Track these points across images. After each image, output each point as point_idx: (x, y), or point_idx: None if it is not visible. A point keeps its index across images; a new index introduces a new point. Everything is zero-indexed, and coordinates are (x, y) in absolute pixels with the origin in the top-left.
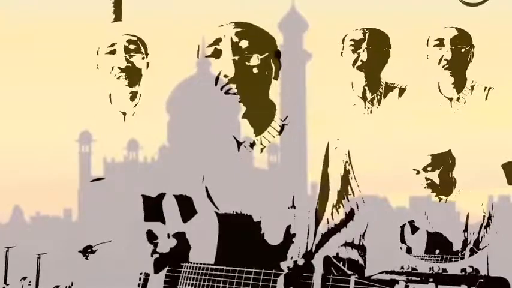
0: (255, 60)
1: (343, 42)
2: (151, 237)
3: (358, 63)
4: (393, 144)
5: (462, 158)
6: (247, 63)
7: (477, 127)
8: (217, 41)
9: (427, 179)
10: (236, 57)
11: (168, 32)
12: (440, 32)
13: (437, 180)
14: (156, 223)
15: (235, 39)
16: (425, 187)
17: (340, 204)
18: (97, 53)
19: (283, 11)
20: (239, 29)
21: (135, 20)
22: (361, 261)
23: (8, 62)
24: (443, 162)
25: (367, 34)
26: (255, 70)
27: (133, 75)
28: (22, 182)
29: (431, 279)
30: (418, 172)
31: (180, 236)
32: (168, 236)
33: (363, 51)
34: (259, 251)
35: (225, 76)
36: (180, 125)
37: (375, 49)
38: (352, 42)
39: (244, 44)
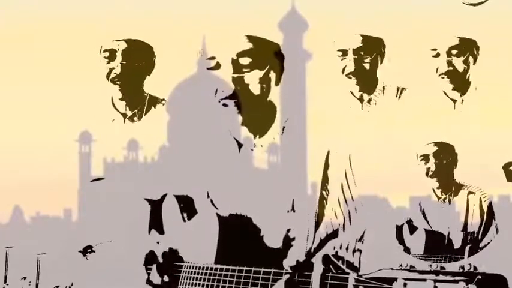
0: (255, 76)
1: (333, 46)
2: (151, 261)
3: (346, 72)
4: (393, 144)
5: (462, 157)
6: (247, 80)
7: (477, 127)
8: (215, 57)
9: (436, 164)
10: (236, 75)
11: (168, 32)
12: (438, 41)
13: (443, 169)
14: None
15: (237, 57)
16: (431, 175)
17: (339, 207)
18: (99, 53)
19: (283, 11)
20: (241, 46)
21: (135, 20)
22: (356, 264)
23: (8, 62)
24: (452, 154)
25: (352, 43)
26: (255, 85)
27: (134, 80)
28: (22, 182)
29: (429, 276)
30: (427, 159)
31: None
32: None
33: (350, 61)
34: (259, 252)
35: (223, 91)
36: (180, 125)
37: (362, 58)
38: (340, 53)
39: (245, 61)
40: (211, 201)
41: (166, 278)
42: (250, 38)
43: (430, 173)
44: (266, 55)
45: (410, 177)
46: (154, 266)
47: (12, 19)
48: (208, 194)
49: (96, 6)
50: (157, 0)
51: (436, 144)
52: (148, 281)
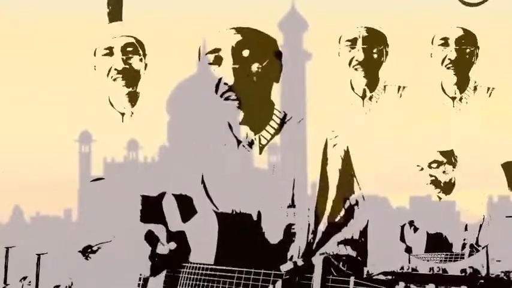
0: (255, 68)
1: (339, 42)
2: (151, 239)
3: (354, 62)
4: (393, 143)
5: (462, 157)
6: (247, 71)
7: (477, 127)
8: (217, 49)
9: (431, 175)
10: (236, 66)
11: (168, 32)
12: (445, 32)
13: (441, 178)
14: (155, 225)
15: (236, 47)
16: (427, 184)
17: (340, 202)
18: (94, 54)
19: (283, 11)
20: (240, 37)
21: (135, 20)
22: (360, 258)
23: (8, 62)
24: (447, 160)
25: (362, 33)
26: (255, 78)
27: (131, 77)
28: (22, 182)
29: (431, 281)
30: (422, 169)
31: (180, 239)
32: (167, 240)
33: (358, 50)
34: (259, 250)
35: (225, 84)
36: (180, 125)
37: (370, 48)
38: (349, 43)
39: (245, 53)
40: (210, 198)
41: (173, 246)
42: (249, 30)
43: (427, 182)
44: (265, 48)
45: (410, 177)
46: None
47: (12, 19)
48: (206, 188)
49: (97, 7)
50: (157, 0)
51: (431, 153)
52: (152, 255)
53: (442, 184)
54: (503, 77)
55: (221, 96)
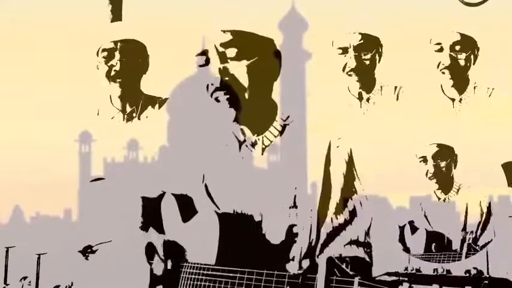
0: (243, 66)
1: (332, 46)
2: (150, 254)
3: (347, 69)
4: (393, 144)
5: (462, 157)
6: (232, 70)
7: (477, 127)
8: (206, 51)
9: (435, 166)
10: (221, 66)
11: (168, 32)
12: (440, 36)
13: (442, 171)
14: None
15: (221, 49)
16: (430, 177)
17: (343, 203)
18: (97, 54)
19: (283, 11)
20: (228, 37)
21: (135, 20)
22: (367, 259)
23: (7, 62)
24: (451, 156)
25: (352, 40)
26: (241, 77)
27: (131, 77)
28: (22, 182)
29: (435, 281)
30: (426, 161)
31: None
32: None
33: (350, 58)
34: (260, 250)
35: (212, 84)
36: (180, 125)
37: (362, 54)
38: (340, 51)
39: (231, 52)
40: (211, 197)
41: (169, 265)
42: (238, 32)
43: (429, 174)
44: (255, 46)
45: (410, 177)
46: (156, 258)
47: (12, 19)
48: (207, 188)
49: (97, 6)
50: (157, 0)
51: (434, 146)
52: (152, 274)
53: (443, 178)
54: (503, 77)
55: (211, 96)
